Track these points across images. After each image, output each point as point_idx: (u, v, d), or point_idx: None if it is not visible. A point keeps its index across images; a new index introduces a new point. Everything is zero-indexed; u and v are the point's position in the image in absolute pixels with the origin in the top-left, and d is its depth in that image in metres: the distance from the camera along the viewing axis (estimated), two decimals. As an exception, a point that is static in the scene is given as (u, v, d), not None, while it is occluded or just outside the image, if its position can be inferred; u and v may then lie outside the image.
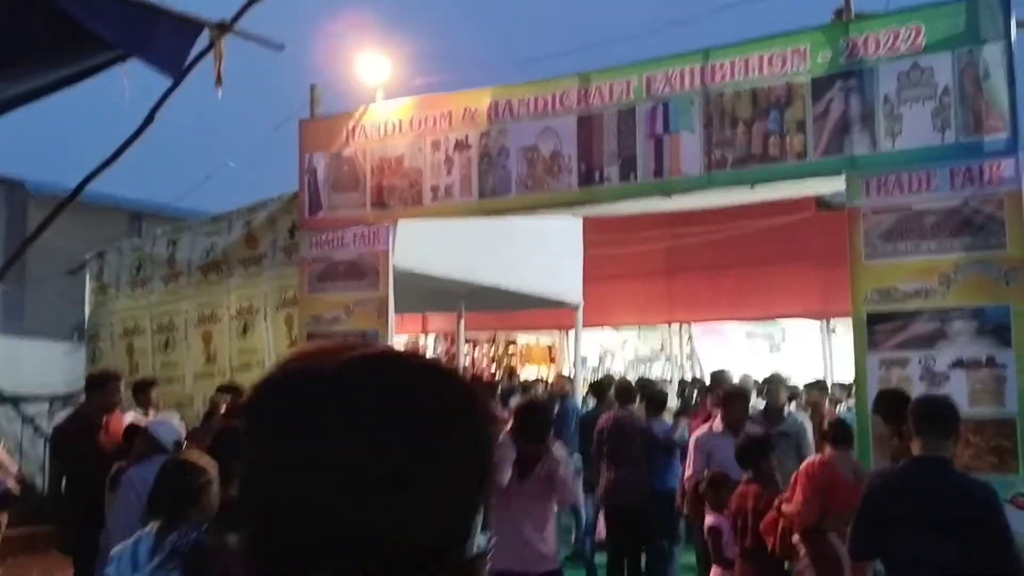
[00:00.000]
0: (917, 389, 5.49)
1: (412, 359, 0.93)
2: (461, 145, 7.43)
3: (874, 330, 5.71)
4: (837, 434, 5.56)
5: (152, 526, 3.07)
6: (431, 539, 0.85)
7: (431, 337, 19.94)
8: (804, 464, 5.57)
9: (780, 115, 6.11)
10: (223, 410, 6.60)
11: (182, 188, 10.00)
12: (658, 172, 6.55)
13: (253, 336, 8.58)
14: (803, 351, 15.21)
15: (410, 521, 0.84)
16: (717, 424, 6.56)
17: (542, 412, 5.57)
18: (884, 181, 5.76)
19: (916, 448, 2.95)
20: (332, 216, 8.09)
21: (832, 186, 6.04)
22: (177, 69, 3.79)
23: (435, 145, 7.57)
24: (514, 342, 20.99)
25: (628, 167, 6.67)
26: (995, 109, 5.42)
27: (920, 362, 5.55)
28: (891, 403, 4.91)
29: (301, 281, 8.18)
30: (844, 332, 15.06)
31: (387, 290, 7.73)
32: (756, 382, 13.02)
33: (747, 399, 7.14)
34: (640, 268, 14.97)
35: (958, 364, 5.45)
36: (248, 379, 8.39)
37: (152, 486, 3.31)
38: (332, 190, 8.11)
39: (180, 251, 9.13)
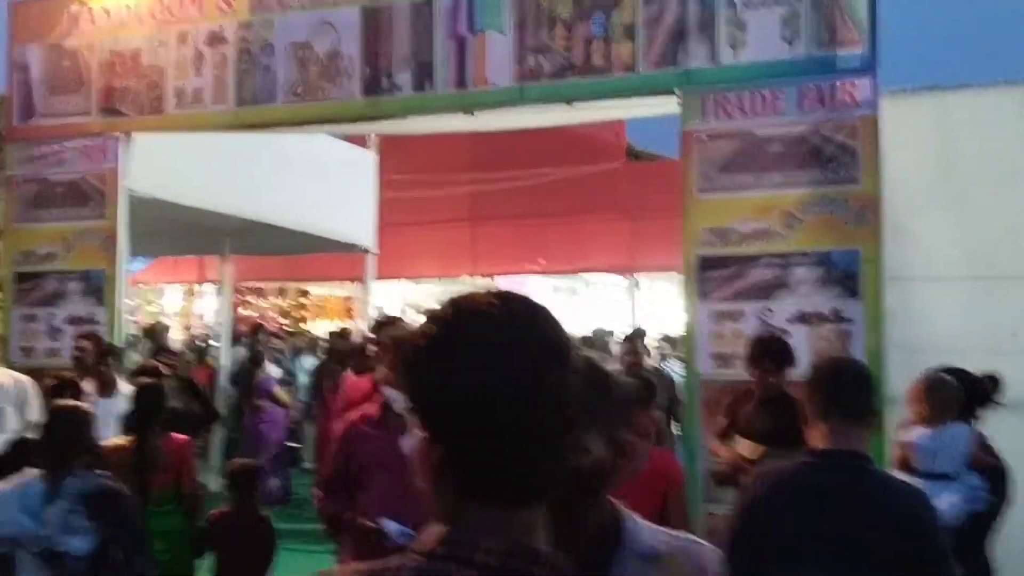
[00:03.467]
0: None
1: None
2: (215, 38, 5.90)
3: (706, 277, 4.82)
4: None
5: (32, 472, 3.02)
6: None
7: (209, 287, 18.00)
8: None
9: (606, 17, 5.06)
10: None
11: None
12: (460, 82, 5.35)
13: (-55, 276, 6.68)
14: (609, 306, 14.70)
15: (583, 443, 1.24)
16: None
17: None
18: (723, 100, 4.84)
19: (821, 437, 1.96)
20: (48, 124, 6.33)
21: (664, 107, 5.08)
22: None
23: (181, 38, 5.99)
24: (306, 294, 19.42)
25: (423, 74, 5.43)
26: (852, 18, 4.61)
27: (756, 315, 4.73)
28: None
29: (9, 207, 6.39)
30: (648, 288, 14.74)
31: (116, 219, 6.11)
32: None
33: None
34: (441, 215, 13.88)
35: (799, 318, 4.66)
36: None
37: (42, 430, 3.26)
38: (49, 92, 6.34)
39: None
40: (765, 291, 4.72)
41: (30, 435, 5.12)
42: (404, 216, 12.39)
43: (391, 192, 10.10)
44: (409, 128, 6.00)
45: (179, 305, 19.39)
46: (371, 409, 3.38)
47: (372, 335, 4.62)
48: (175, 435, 4.43)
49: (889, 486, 2.04)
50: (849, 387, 2.09)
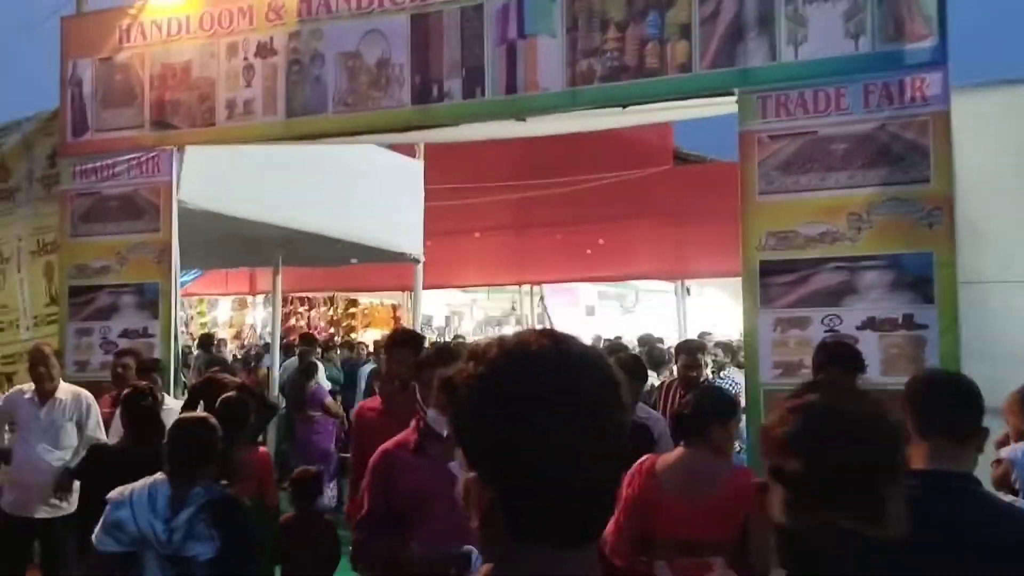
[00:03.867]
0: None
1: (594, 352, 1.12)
2: (264, 49, 5.89)
3: (768, 283, 4.66)
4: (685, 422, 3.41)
5: (158, 477, 3.18)
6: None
7: (260, 298, 18.14)
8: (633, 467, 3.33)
9: (660, 17, 4.93)
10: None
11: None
12: (510, 87, 5.26)
13: (4, 290, 6.76)
14: (657, 314, 14.50)
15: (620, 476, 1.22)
16: None
17: None
18: (784, 99, 4.68)
19: (921, 456, 1.79)
20: (101, 139, 6.37)
21: (722, 107, 4.94)
22: None
23: (231, 49, 5.99)
24: (355, 303, 19.49)
25: (473, 81, 5.34)
26: (920, 11, 4.42)
27: (823, 322, 4.55)
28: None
29: (62, 221, 6.44)
30: (698, 294, 14.48)
31: (170, 232, 6.12)
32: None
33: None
34: (487, 223, 13.80)
35: (869, 324, 4.47)
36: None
37: (173, 439, 3.37)
38: (101, 106, 6.38)
39: (-88, 184, 7.14)
40: (832, 297, 4.54)
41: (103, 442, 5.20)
42: (450, 225, 12.33)
43: (436, 201, 10.04)
44: (459, 136, 5.92)
45: (230, 316, 19.59)
46: (407, 435, 3.04)
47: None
48: (257, 447, 4.50)
49: (994, 510, 1.87)
50: (950, 403, 1.93)
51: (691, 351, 6.08)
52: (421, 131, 5.66)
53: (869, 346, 4.41)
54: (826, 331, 4.53)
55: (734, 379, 9.89)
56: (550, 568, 1.03)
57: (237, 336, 19.02)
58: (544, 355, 1.06)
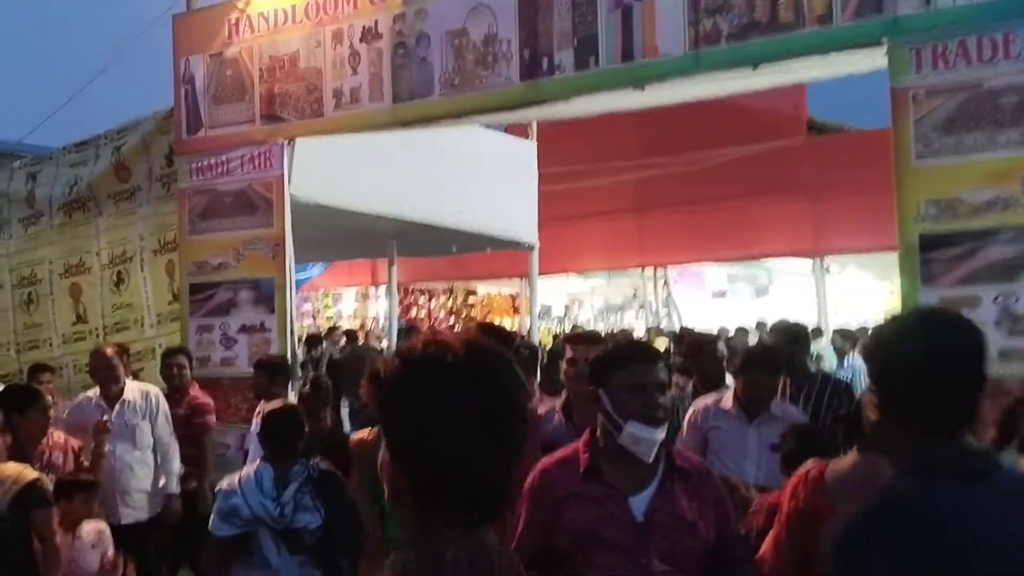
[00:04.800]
0: (994, 340, 3.92)
1: (495, 350, 1.30)
2: (369, 34, 5.68)
3: (929, 258, 4.11)
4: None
5: (259, 463, 3.52)
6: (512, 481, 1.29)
7: (382, 289, 18.28)
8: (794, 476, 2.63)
9: (793, -35, 4.42)
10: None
11: (38, 116, 8.11)
12: (627, 55, 4.86)
13: (128, 289, 6.85)
14: (793, 295, 13.69)
15: (515, 470, 1.27)
16: (728, 400, 4.17)
17: None
18: (942, 50, 4.11)
19: None
20: (215, 135, 6.33)
21: (869, 62, 4.40)
22: None
23: (336, 36, 5.82)
24: (474, 292, 19.41)
25: (587, 50, 4.97)
26: (1108, -66, 3.78)
27: (996, 301, 3.97)
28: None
29: (181, 219, 6.45)
30: (839, 272, 13.60)
31: (283, 226, 6.02)
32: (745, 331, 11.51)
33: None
34: (606, 205, 13.33)
35: (1050, 302, 3.88)
36: (125, 341, 6.68)
37: (266, 428, 3.73)
38: (213, 102, 6.34)
39: (40, 187, 7.32)
40: (1006, 272, 3.96)
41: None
42: (566, 209, 11.95)
43: (550, 185, 9.70)
44: (573, 111, 5.56)
45: (354, 308, 19.85)
46: (575, 451, 2.49)
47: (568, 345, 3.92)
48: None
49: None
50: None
51: (756, 365, 4.16)
52: (532, 108, 5.32)
53: (1053, 327, 3.83)
54: (999, 311, 3.96)
55: (856, 367, 9.19)
56: (459, 542, 1.21)
57: (361, 327, 19.27)
58: (457, 368, 1.23)
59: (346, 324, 18.66)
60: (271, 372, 5.22)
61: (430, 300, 18.56)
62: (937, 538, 1.43)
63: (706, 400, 4.26)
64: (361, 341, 14.99)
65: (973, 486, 1.49)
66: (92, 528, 4.30)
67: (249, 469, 3.54)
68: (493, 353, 1.27)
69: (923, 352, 1.58)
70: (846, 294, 13.61)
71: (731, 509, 2.59)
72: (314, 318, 19.84)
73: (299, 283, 16.62)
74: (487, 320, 17.79)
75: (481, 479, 1.23)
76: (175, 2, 6.60)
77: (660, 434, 2.42)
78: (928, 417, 1.56)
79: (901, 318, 1.77)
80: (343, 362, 8.83)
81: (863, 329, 10.35)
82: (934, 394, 1.56)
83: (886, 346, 1.67)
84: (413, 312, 17.92)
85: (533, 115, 5.64)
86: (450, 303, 18.50)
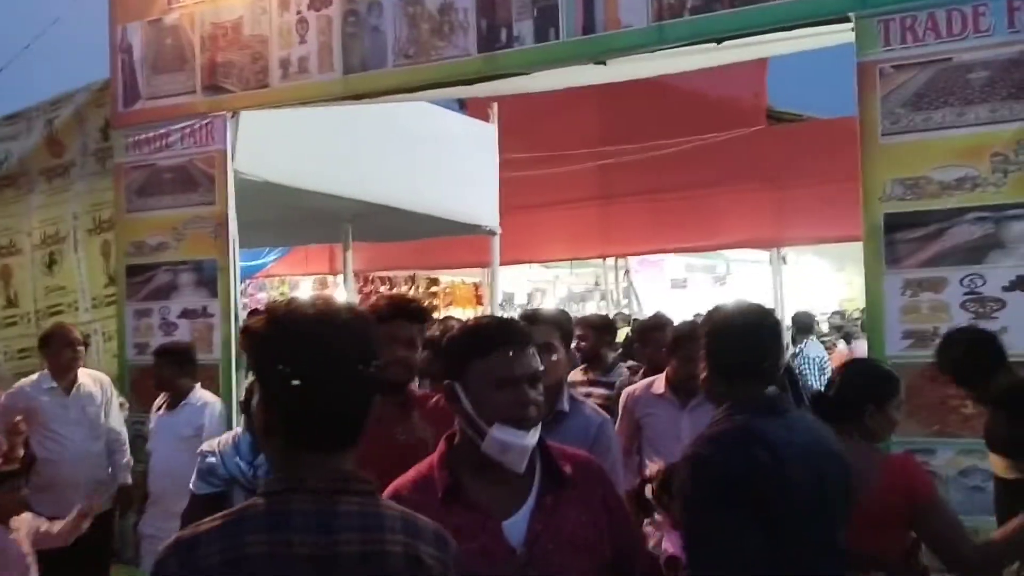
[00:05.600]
0: (960, 323, 3.80)
1: (349, 308, 1.60)
2: (318, 0, 5.41)
3: (895, 239, 3.96)
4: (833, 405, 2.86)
5: (238, 430, 3.74)
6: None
7: (340, 278, 17.92)
8: None
9: (759, -66, 4.24)
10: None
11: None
12: (588, 27, 4.65)
13: (62, 271, 6.51)
14: (751, 285, 13.64)
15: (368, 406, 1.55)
16: (660, 384, 4.17)
17: None
18: (911, 22, 3.96)
19: None
20: (153, 107, 6.02)
21: (835, 36, 4.24)
22: None
23: (283, 2, 5.53)
24: (436, 281, 19.14)
25: (546, 21, 4.76)
26: (1083, -97, 3.65)
27: (963, 283, 3.84)
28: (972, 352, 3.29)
29: (117, 196, 6.12)
30: (794, 263, 13.57)
31: (226, 204, 5.73)
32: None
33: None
34: (568, 194, 13.13)
35: (1019, 284, 3.75)
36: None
37: (246, 399, 3.27)
38: (152, 71, 6.02)
39: (-31, 163, 6.93)
40: (973, 253, 3.82)
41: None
42: (528, 197, 11.74)
43: (512, 172, 9.49)
44: (532, 86, 5.34)
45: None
46: (428, 467, 2.04)
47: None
48: None
49: None
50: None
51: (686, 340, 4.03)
52: (490, 83, 5.09)
53: (1018, 310, 3.70)
54: (966, 293, 3.83)
55: (810, 355, 9.21)
56: (319, 465, 1.48)
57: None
58: (311, 312, 1.51)
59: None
60: (179, 360, 4.90)
61: (391, 289, 18.26)
62: (768, 450, 2.13)
63: (638, 386, 4.25)
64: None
65: (776, 419, 2.24)
66: (24, 520, 4.04)
67: (230, 434, 3.73)
68: (344, 311, 1.54)
69: (741, 329, 2.32)
70: (802, 284, 13.62)
71: (625, 509, 2.18)
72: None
73: (254, 270, 16.24)
74: (449, 308, 17.58)
75: (336, 413, 1.49)
76: (113, -33, 6.24)
77: (532, 438, 1.94)
78: (745, 373, 2.29)
79: (725, 307, 2.45)
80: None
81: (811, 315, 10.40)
82: (749, 358, 2.29)
83: (716, 326, 2.39)
84: (373, 300, 17.59)
85: (490, 90, 5.39)
86: (412, 292, 18.22)
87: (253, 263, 16.01)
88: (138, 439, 5.65)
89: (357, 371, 1.49)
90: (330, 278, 18.61)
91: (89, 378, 4.98)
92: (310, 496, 1.45)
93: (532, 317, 3.37)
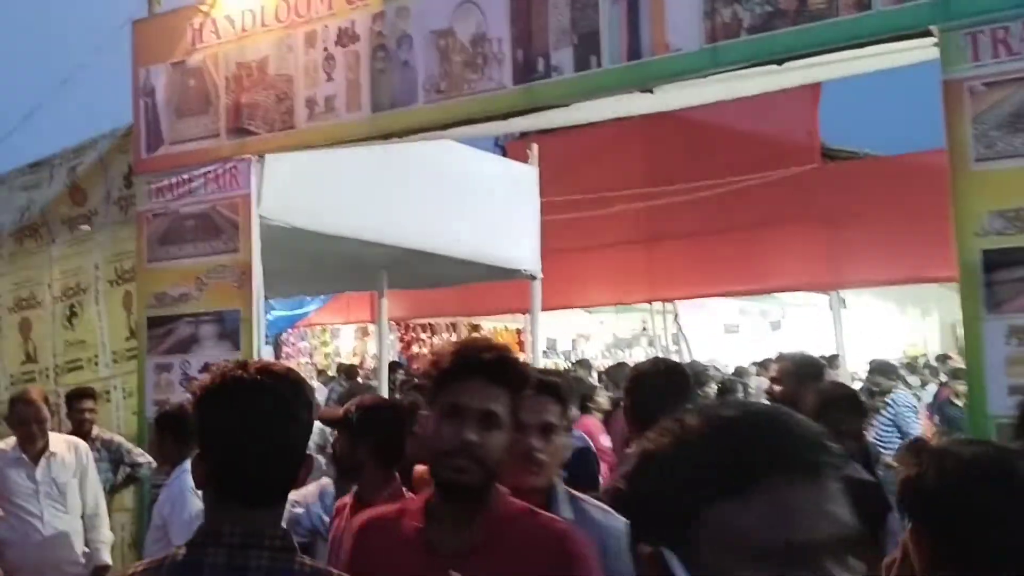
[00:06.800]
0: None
1: (285, 372, 1.71)
2: (345, 36, 5.10)
3: (996, 280, 3.45)
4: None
5: (324, 480, 3.87)
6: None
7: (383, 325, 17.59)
8: None
9: (825, -56, 3.82)
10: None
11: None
12: (633, 52, 4.25)
13: (82, 324, 6.21)
14: (807, 329, 13.01)
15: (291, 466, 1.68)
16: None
17: None
18: (1003, 34, 3.49)
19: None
20: (176, 152, 5.73)
21: (915, 53, 3.78)
22: None
23: (309, 39, 5.23)
24: (478, 328, 18.76)
25: (587, 48, 4.36)
26: None
27: (1079, 330, 3.31)
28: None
29: (139, 245, 5.83)
30: (857, 305, 12.94)
31: (250, 252, 5.39)
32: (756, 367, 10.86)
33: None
34: (611, 237, 12.73)
35: None
36: (77, 384, 6.01)
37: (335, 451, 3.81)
38: (175, 116, 5.75)
39: (-9, 213, 6.72)
40: (1090, 295, 3.30)
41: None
42: (571, 241, 11.34)
43: (554, 215, 9.09)
44: (572, 118, 4.94)
45: (352, 346, 19.18)
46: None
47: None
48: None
49: None
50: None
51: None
52: (526, 116, 4.70)
53: None
54: (1084, 343, 3.29)
55: (903, 402, 8.43)
56: (239, 519, 1.59)
57: (361, 365, 18.58)
58: (242, 379, 1.64)
59: (345, 362, 18.04)
60: (177, 428, 4.35)
61: (432, 336, 17.90)
62: None
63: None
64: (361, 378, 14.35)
65: None
66: None
67: (317, 484, 3.82)
68: (280, 375, 1.65)
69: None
70: (863, 328, 12.99)
71: None
72: (311, 356, 19.22)
73: (296, 319, 16.02)
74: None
75: (258, 471, 1.60)
76: (138, 8, 6.03)
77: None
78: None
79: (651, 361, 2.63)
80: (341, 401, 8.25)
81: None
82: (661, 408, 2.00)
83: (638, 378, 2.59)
84: (415, 348, 17.26)
85: (527, 124, 5.03)
86: (454, 339, 17.84)
87: (294, 312, 15.81)
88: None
89: (280, 431, 1.62)
90: (371, 326, 18.36)
91: (63, 444, 4.56)
92: (224, 549, 1.56)
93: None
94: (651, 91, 4.32)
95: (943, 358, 11.49)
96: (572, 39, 4.40)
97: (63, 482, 4.38)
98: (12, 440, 4.50)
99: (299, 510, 3.67)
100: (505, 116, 4.75)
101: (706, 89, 4.34)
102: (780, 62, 4.00)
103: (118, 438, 5.56)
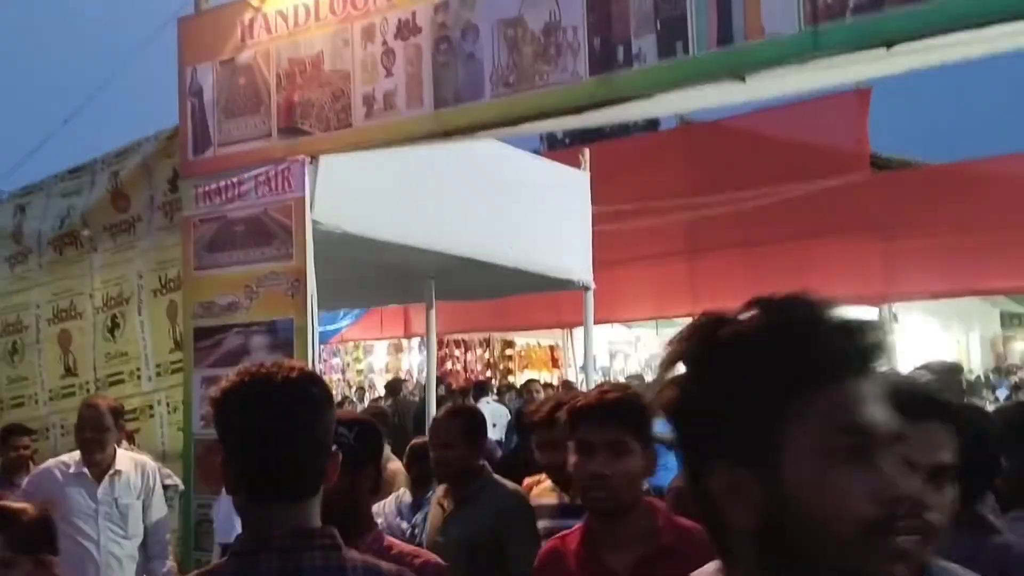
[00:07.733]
0: None
1: (304, 375, 1.77)
2: (406, 28, 4.82)
3: None
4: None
5: (404, 490, 4.20)
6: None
7: (415, 342, 17.31)
8: None
9: (942, -86, 3.50)
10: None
11: (34, 139, 7.29)
12: (724, 38, 3.93)
13: (124, 335, 5.93)
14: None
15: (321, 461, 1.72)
16: None
17: None
18: None
19: None
20: (225, 154, 5.47)
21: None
22: None
23: (367, 33, 4.95)
24: (512, 344, 18.47)
25: (672, 34, 4.05)
26: None
27: None
28: None
29: (185, 252, 5.56)
30: (909, 319, 12.53)
31: (304, 258, 5.10)
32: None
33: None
34: (654, 248, 12.42)
35: None
36: (120, 396, 5.73)
37: (410, 461, 4.45)
38: (224, 116, 5.49)
39: (29, 220, 6.46)
40: None
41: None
42: (611, 253, 11.00)
43: (595, 225, 8.80)
44: (656, 110, 4.65)
45: (386, 362, 18.94)
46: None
47: None
48: None
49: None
50: None
51: None
52: (604, 109, 4.38)
53: None
54: None
55: None
56: (282, 518, 1.62)
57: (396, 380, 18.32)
58: (261, 377, 1.69)
59: (378, 378, 17.79)
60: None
61: (466, 352, 17.61)
62: None
63: None
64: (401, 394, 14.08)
65: None
66: None
67: (395, 494, 3.94)
68: (296, 369, 1.72)
69: None
70: (911, 343, 12.62)
71: None
72: (343, 372, 19.00)
73: (329, 335, 15.75)
74: (525, 372, 16.82)
75: (292, 465, 1.65)
76: (184, 5, 5.79)
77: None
78: None
79: None
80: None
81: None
82: None
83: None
84: (448, 364, 17.00)
85: (603, 118, 4.71)
86: (487, 355, 17.53)
87: (328, 328, 15.57)
88: (203, 524, 4.99)
89: (308, 431, 1.66)
90: (404, 341, 18.09)
91: (130, 462, 4.27)
92: (276, 554, 1.58)
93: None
94: (743, 79, 3.99)
95: (1006, 371, 11.08)
96: (655, 25, 4.09)
97: (125, 504, 4.08)
98: (76, 454, 4.22)
99: (379, 520, 3.59)
100: (579, 109, 4.44)
101: (803, 76, 4.01)
102: (888, 46, 3.66)
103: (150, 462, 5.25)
